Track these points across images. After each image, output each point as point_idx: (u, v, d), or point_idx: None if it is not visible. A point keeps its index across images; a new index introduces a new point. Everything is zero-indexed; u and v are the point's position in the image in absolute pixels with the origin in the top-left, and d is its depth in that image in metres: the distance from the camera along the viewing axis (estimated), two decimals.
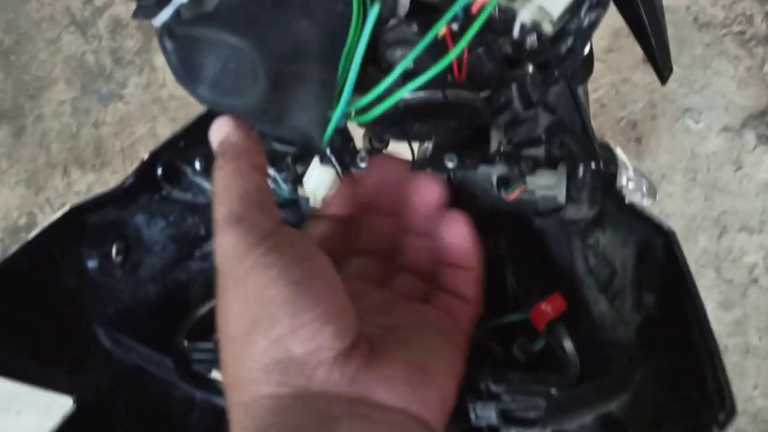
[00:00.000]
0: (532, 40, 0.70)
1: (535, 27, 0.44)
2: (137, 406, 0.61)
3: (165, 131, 2.03)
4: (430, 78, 0.44)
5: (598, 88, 1.54)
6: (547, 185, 0.62)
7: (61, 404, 0.54)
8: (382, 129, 0.65)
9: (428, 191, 0.45)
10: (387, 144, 0.97)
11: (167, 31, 0.53)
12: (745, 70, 1.62)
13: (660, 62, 0.77)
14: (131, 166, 1.86)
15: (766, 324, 1.46)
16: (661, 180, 1.52)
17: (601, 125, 1.55)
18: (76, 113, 2.11)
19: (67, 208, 0.57)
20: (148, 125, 2.05)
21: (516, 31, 0.45)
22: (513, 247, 0.69)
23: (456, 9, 0.43)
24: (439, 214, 0.46)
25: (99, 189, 1.90)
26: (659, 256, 0.48)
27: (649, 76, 1.63)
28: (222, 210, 0.43)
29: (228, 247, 0.40)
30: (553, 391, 0.54)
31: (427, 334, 0.44)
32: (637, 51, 1.85)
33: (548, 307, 0.57)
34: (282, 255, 0.39)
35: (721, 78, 1.62)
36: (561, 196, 0.61)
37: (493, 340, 0.61)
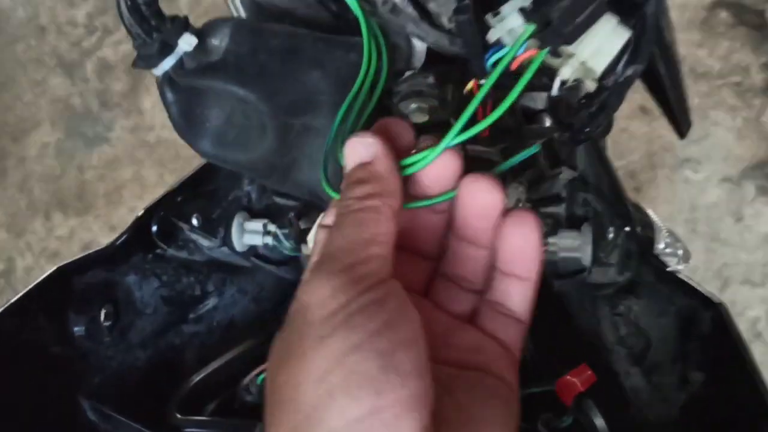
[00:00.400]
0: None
1: (577, 84, 0.41)
2: None
3: (151, 176, 1.98)
4: (465, 138, 0.39)
5: None
6: (570, 247, 0.58)
7: None
8: None
9: (487, 195, 0.39)
10: None
11: (169, 81, 0.49)
12: (743, 121, 1.61)
13: (679, 117, 0.74)
14: (115, 211, 1.79)
15: None
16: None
17: None
18: (60, 156, 2.06)
19: (53, 268, 0.53)
20: (134, 169, 2.00)
21: (555, 89, 0.41)
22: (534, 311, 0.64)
23: (497, 74, 0.39)
24: (497, 218, 0.39)
25: (82, 234, 1.83)
26: (707, 330, 0.44)
27: (646, 125, 1.61)
28: (333, 247, 0.35)
29: (322, 295, 0.33)
30: None
31: (486, 401, 0.38)
32: (634, 100, 1.84)
33: (576, 380, 0.53)
34: (372, 316, 0.33)
35: (719, 128, 1.60)
36: (586, 258, 0.57)
37: None
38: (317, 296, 0.33)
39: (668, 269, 0.46)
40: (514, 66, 0.39)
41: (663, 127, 1.71)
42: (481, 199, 0.39)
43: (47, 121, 2.11)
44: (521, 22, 0.40)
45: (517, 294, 0.40)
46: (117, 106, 2.09)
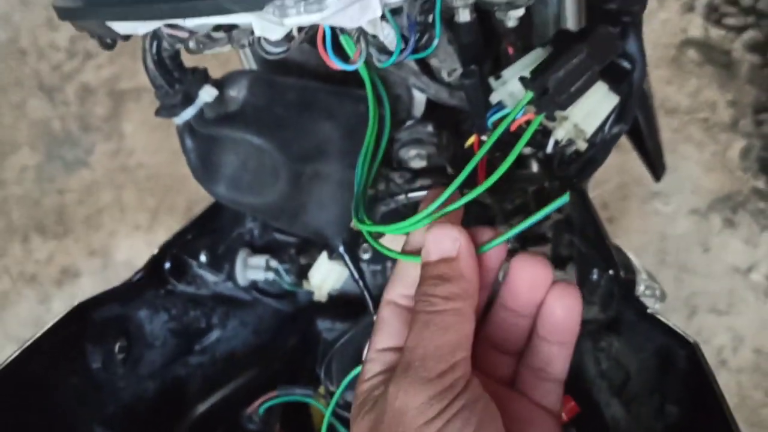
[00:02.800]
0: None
1: (569, 144, 0.45)
2: None
3: (132, 200, 2.00)
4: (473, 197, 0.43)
5: None
6: None
7: None
8: (389, 222, 0.64)
9: (540, 272, 0.41)
10: None
11: (189, 129, 0.52)
12: (710, 155, 1.68)
13: (655, 162, 0.79)
14: (95, 235, 1.80)
15: (734, 406, 1.48)
16: None
17: None
18: (40, 179, 2.07)
19: (74, 304, 0.55)
20: (114, 193, 2.01)
21: (550, 147, 0.45)
22: None
23: (497, 135, 0.43)
24: (545, 291, 0.42)
25: (60, 258, 1.83)
26: (682, 366, 0.48)
27: (619, 157, 1.67)
28: (423, 351, 0.37)
29: (418, 402, 0.35)
30: None
31: None
32: None
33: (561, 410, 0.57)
34: (466, 422, 0.35)
35: (687, 162, 1.67)
36: None
37: None
38: (414, 403, 0.35)
39: (648, 311, 0.50)
40: (513, 128, 0.44)
41: (634, 160, 1.77)
42: (534, 275, 0.41)
43: (27, 145, 2.11)
44: (521, 86, 0.44)
45: (559, 359, 0.43)
46: (97, 130, 2.10)
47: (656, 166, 0.81)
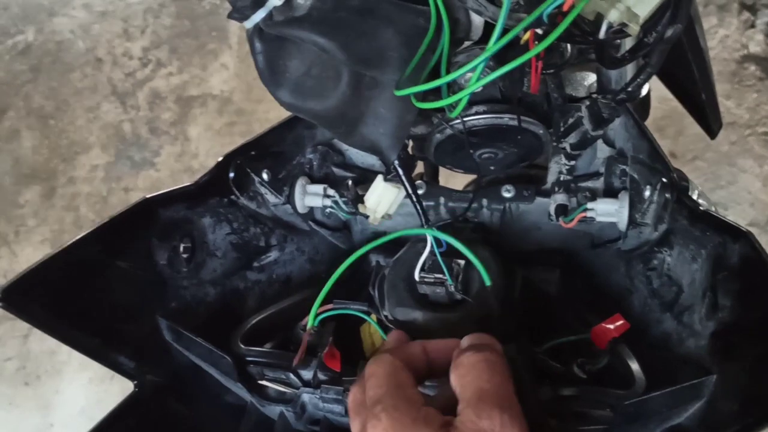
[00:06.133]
0: (591, 82, 0.73)
1: (622, 28, 0.46)
2: (190, 406, 0.60)
3: None
4: (512, 68, 0.45)
5: None
6: (608, 211, 0.63)
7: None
8: (443, 156, 0.66)
9: None
10: (438, 181, 0.99)
11: (258, 32, 0.56)
12: None
13: (710, 117, 0.79)
14: None
15: None
16: None
17: None
18: (108, 178, 2.16)
19: (139, 198, 0.59)
20: None
21: (603, 32, 0.47)
22: (566, 279, 0.69)
23: (544, 9, 0.45)
24: None
25: None
26: (735, 260, 0.49)
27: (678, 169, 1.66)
28: None
29: None
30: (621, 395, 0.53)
31: None
32: (664, 146, 1.90)
33: (611, 327, 0.57)
34: None
35: (746, 175, 1.65)
36: (622, 222, 0.62)
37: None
38: None
39: (707, 210, 0.50)
40: (566, 7, 0.46)
41: (691, 172, 1.76)
42: None
43: (98, 145, 2.21)
44: None
45: None
46: (165, 134, 2.19)
47: (711, 121, 0.81)
